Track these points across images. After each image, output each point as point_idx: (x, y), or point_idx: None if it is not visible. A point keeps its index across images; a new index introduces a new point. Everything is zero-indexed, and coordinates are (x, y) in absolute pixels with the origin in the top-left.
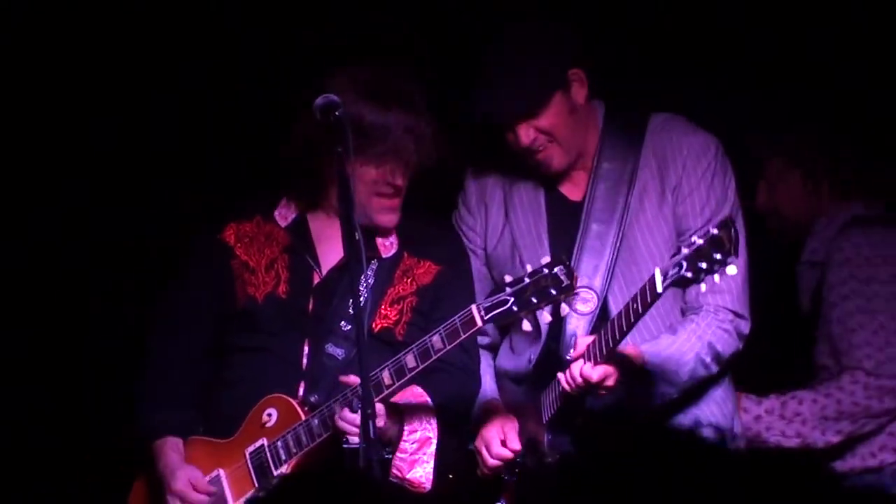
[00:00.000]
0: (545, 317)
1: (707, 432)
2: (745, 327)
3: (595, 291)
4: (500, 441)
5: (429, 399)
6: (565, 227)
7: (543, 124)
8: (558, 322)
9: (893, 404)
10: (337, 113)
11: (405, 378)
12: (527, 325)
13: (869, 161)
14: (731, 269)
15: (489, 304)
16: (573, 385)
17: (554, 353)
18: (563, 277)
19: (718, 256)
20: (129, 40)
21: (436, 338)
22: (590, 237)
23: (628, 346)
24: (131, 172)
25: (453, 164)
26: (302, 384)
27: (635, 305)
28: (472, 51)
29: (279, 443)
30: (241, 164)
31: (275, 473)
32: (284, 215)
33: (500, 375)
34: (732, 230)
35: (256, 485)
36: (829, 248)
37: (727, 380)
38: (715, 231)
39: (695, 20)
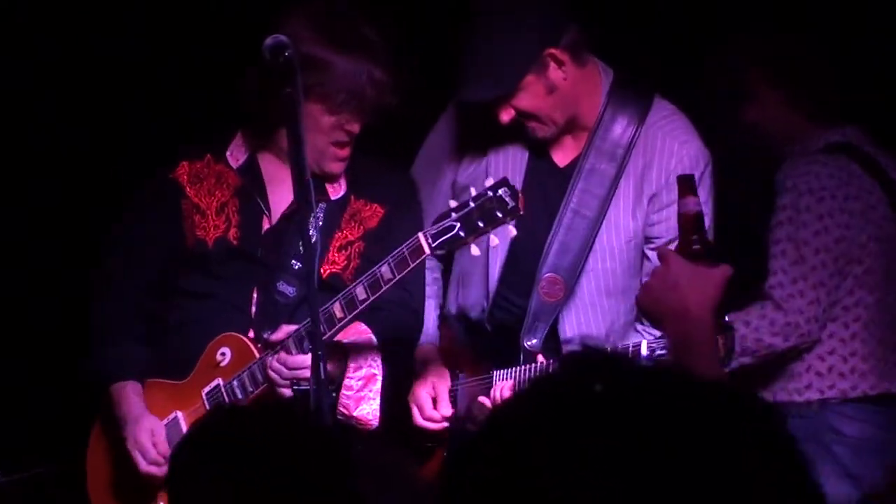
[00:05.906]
0: (492, 240)
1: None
2: None
3: (562, 278)
4: (431, 401)
5: (372, 336)
6: (545, 189)
7: (519, 105)
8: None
9: (798, 342)
10: (287, 54)
11: (356, 310)
12: (475, 250)
13: (851, 83)
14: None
15: (435, 230)
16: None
17: (511, 330)
18: (507, 199)
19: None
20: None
21: (384, 268)
22: (570, 210)
23: None
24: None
25: (408, 109)
26: (251, 331)
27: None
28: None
29: (235, 382)
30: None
31: None
32: (236, 156)
33: (452, 315)
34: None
35: None
36: (788, 172)
37: None
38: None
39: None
